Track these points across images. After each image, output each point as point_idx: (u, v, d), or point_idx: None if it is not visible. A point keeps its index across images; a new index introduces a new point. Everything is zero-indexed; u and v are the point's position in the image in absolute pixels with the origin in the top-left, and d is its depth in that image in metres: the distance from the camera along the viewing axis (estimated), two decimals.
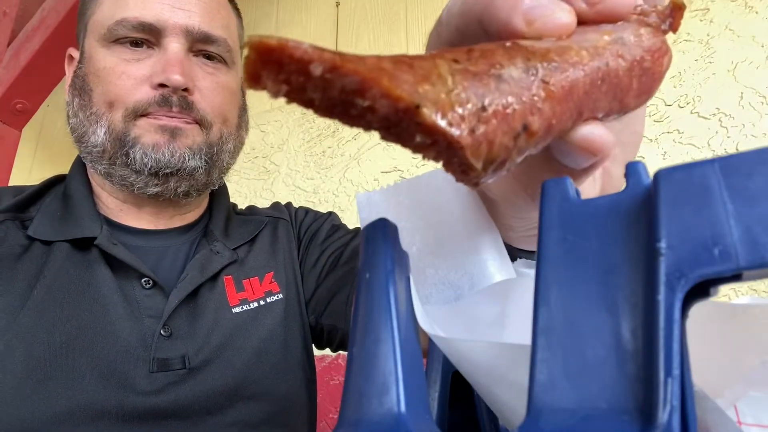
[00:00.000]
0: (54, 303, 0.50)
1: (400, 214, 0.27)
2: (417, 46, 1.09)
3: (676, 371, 0.13)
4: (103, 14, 0.55)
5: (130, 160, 0.53)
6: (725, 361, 0.20)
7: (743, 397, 0.22)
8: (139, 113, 0.53)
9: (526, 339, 0.17)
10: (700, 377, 0.16)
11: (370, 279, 0.19)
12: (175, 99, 0.53)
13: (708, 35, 0.81)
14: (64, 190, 0.59)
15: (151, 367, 0.50)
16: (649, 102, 0.82)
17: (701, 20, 0.82)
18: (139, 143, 0.53)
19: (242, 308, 0.57)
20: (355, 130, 1.24)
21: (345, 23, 1.31)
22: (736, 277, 0.14)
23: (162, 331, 0.52)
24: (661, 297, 0.14)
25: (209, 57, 0.57)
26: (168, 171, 0.53)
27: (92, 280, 0.52)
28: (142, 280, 0.53)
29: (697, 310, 0.15)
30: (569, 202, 0.17)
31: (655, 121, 0.81)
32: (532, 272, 0.28)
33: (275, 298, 0.60)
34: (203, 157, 0.55)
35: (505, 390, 0.20)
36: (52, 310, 0.49)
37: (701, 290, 0.15)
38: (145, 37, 0.54)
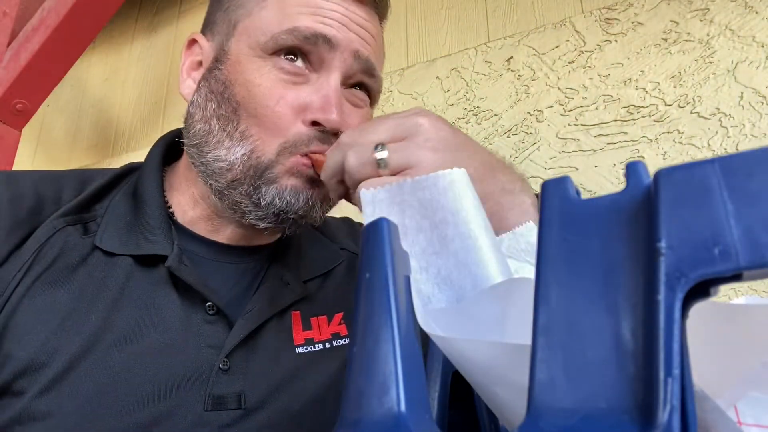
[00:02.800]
0: (111, 329, 0.45)
1: (404, 213, 0.27)
2: (417, 46, 1.09)
3: (676, 371, 0.13)
4: (265, 20, 0.49)
5: (258, 195, 0.48)
6: (725, 361, 0.20)
7: (743, 397, 0.22)
8: (298, 149, 0.48)
9: (528, 339, 0.17)
10: (700, 377, 0.16)
11: (370, 279, 0.19)
12: (330, 139, 0.48)
13: (708, 35, 0.81)
14: (135, 189, 0.54)
15: (206, 405, 0.45)
16: (649, 102, 0.82)
17: (701, 20, 0.82)
18: (275, 183, 0.48)
19: (306, 349, 0.53)
20: None
21: None
22: (736, 277, 0.14)
23: (221, 365, 0.47)
24: (661, 297, 0.14)
25: (360, 88, 0.53)
26: (291, 216, 0.49)
27: (154, 302, 0.48)
28: (207, 305, 0.49)
29: (697, 310, 0.15)
30: (569, 201, 0.17)
31: (655, 121, 0.81)
32: (532, 272, 0.28)
33: (342, 342, 0.55)
34: (328, 207, 0.52)
35: (505, 390, 0.20)
36: (109, 336, 0.45)
37: (701, 290, 0.15)
38: (310, 50, 0.49)
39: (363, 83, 0.52)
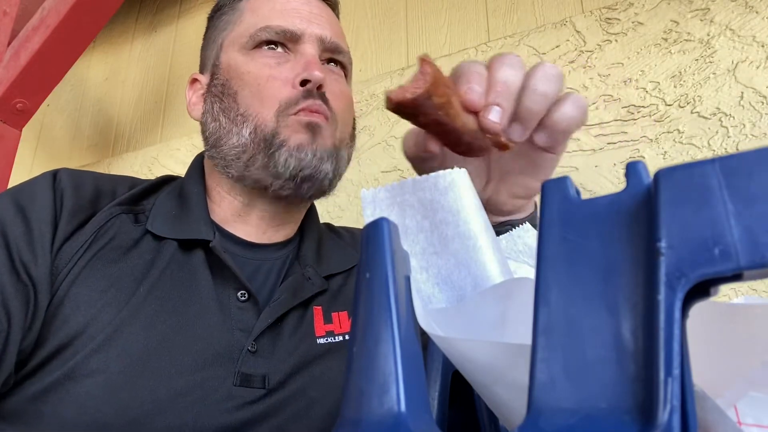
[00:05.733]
0: (155, 302, 0.51)
1: (404, 213, 0.27)
2: (417, 46, 1.09)
3: (676, 371, 0.13)
4: (242, 28, 0.60)
5: (273, 163, 0.55)
6: (725, 361, 0.20)
7: (743, 397, 0.22)
8: (291, 110, 0.56)
9: (528, 339, 0.17)
10: (700, 377, 0.16)
11: (371, 279, 0.19)
12: (316, 93, 0.56)
13: (708, 35, 0.81)
14: (180, 191, 0.61)
15: (235, 381, 0.50)
16: (649, 102, 0.82)
17: (701, 20, 0.82)
18: (285, 146, 0.55)
19: (327, 340, 0.58)
20: None
21: (345, 23, 1.31)
22: (736, 277, 0.14)
23: (249, 347, 0.52)
24: (662, 297, 0.14)
25: (335, 64, 0.63)
26: (306, 173, 0.55)
27: (194, 283, 0.53)
28: (239, 293, 0.55)
29: (697, 310, 0.15)
30: (569, 201, 0.17)
31: (655, 120, 0.81)
32: (532, 272, 0.28)
33: None
34: (333, 162, 0.58)
35: (505, 389, 0.20)
36: (153, 308, 0.51)
37: (701, 290, 0.14)
38: (283, 41, 0.59)
39: (333, 59, 0.62)
